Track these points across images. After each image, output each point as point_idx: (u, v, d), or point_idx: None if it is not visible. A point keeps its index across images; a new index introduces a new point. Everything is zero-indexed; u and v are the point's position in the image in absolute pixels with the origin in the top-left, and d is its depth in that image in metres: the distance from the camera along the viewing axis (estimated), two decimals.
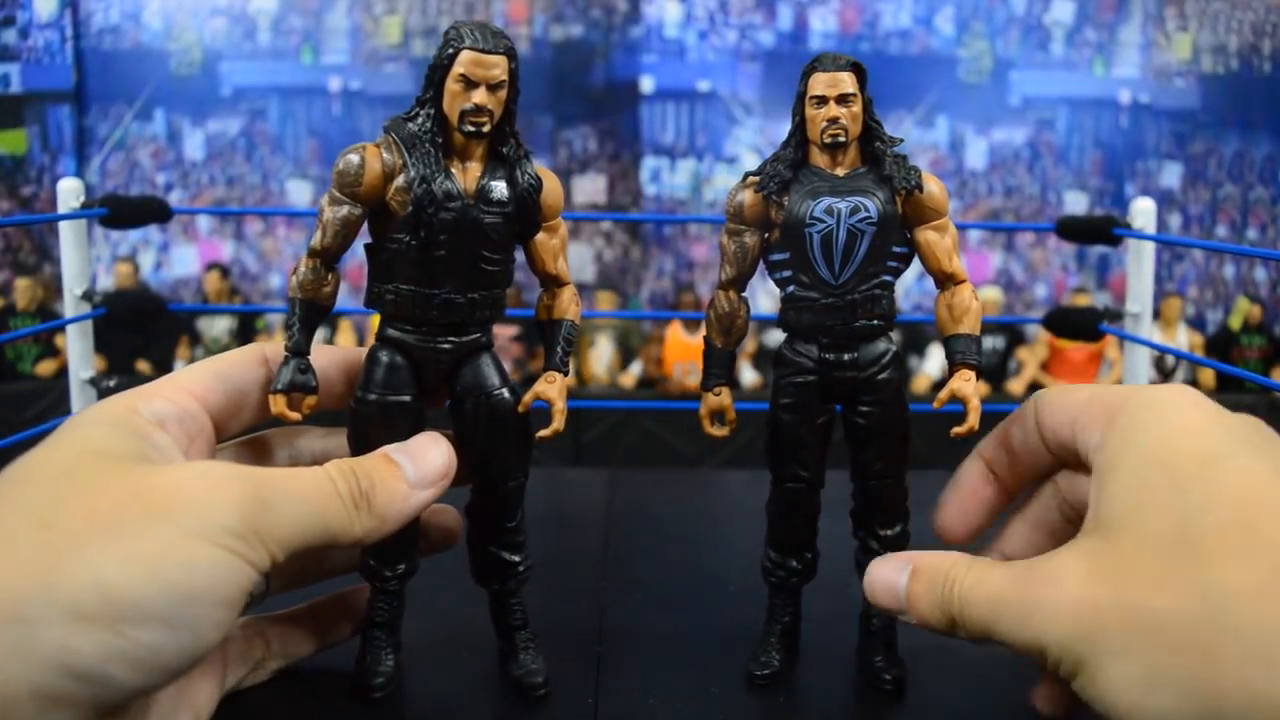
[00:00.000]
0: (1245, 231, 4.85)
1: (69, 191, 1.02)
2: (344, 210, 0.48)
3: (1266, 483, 0.35)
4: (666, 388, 3.99)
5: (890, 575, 0.45)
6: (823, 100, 0.54)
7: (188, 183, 4.99)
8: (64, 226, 1.03)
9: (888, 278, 0.56)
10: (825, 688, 0.56)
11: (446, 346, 0.49)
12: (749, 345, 4.41)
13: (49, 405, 3.74)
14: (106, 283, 4.69)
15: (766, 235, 0.57)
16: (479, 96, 0.47)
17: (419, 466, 0.44)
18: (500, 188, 0.49)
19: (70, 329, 1.04)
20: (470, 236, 0.48)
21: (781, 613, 0.60)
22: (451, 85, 0.48)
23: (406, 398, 0.49)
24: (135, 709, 0.36)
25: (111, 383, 1.05)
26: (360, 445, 0.49)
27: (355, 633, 0.54)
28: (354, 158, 0.48)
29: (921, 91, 4.87)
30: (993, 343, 4.21)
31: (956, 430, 0.54)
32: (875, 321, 0.56)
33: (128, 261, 4.82)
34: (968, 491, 0.51)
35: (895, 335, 0.59)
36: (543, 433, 0.50)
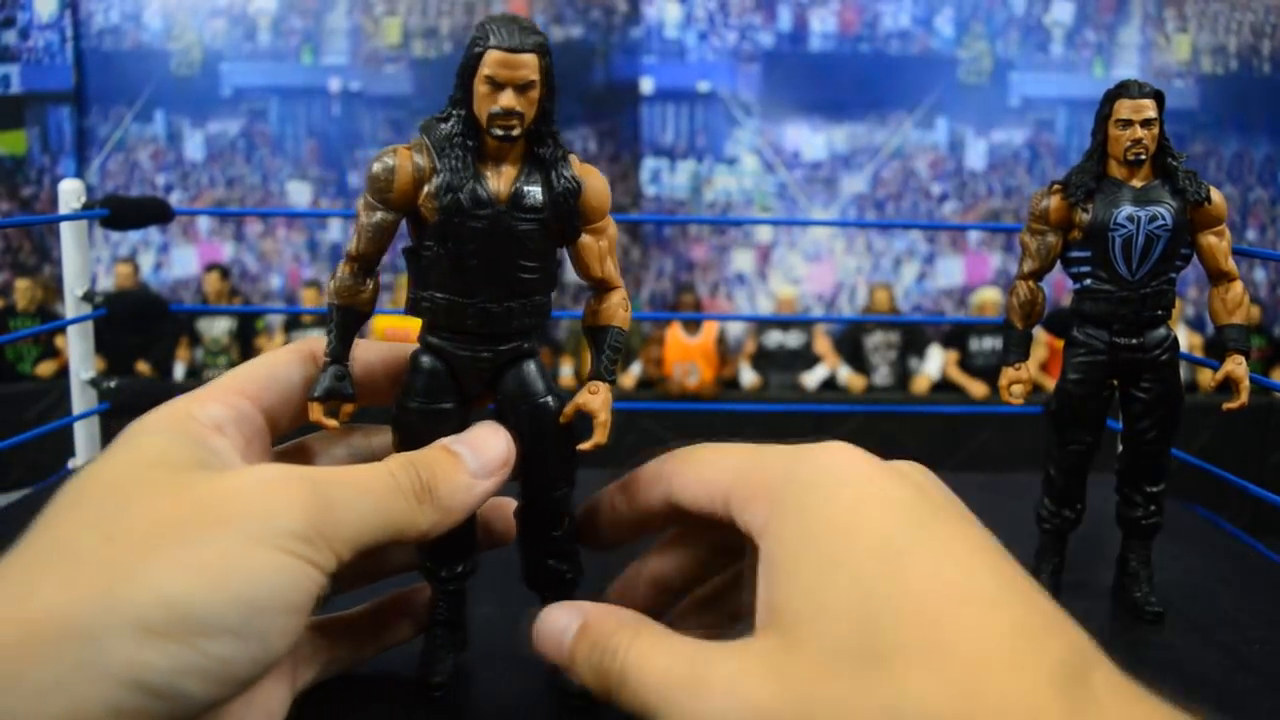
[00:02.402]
0: (1245, 232, 4.85)
1: (70, 192, 1.03)
2: (377, 216, 0.47)
3: (948, 576, 0.33)
4: (666, 388, 3.99)
5: (556, 629, 0.40)
6: (1128, 123, 0.65)
7: (188, 183, 4.99)
8: (65, 227, 1.03)
9: (1173, 275, 0.66)
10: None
11: (486, 355, 0.48)
12: (749, 346, 4.41)
13: (49, 406, 3.74)
14: (107, 284, 4.69)
15: (1067, 235, 0.68)
16: (507, 99, 0.44)
17: (479, 456, 0.43)
18: (535, 192, 0.46)
19: (71, 330, 1.04)
20: (504, 245, 0.46)
21: (1051, 555, 0.72)
22: (479, 87, 0.44)
23: (448, 405, 0.48)
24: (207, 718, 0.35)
25: (112, 383, 1.05)
26: (405, 444, 0.48)
27: (418, 632, 0.53)
28: (385, 162, 0.45)
29: (921, 92, 4.87)
30: (992, 343, 4.21)
31: (1228, 405, 0.66)
32: (1160, 312, 0.67)
33: (128, 262, 4.82)
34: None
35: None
36: (583, 446, 0.48)
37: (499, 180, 0.45)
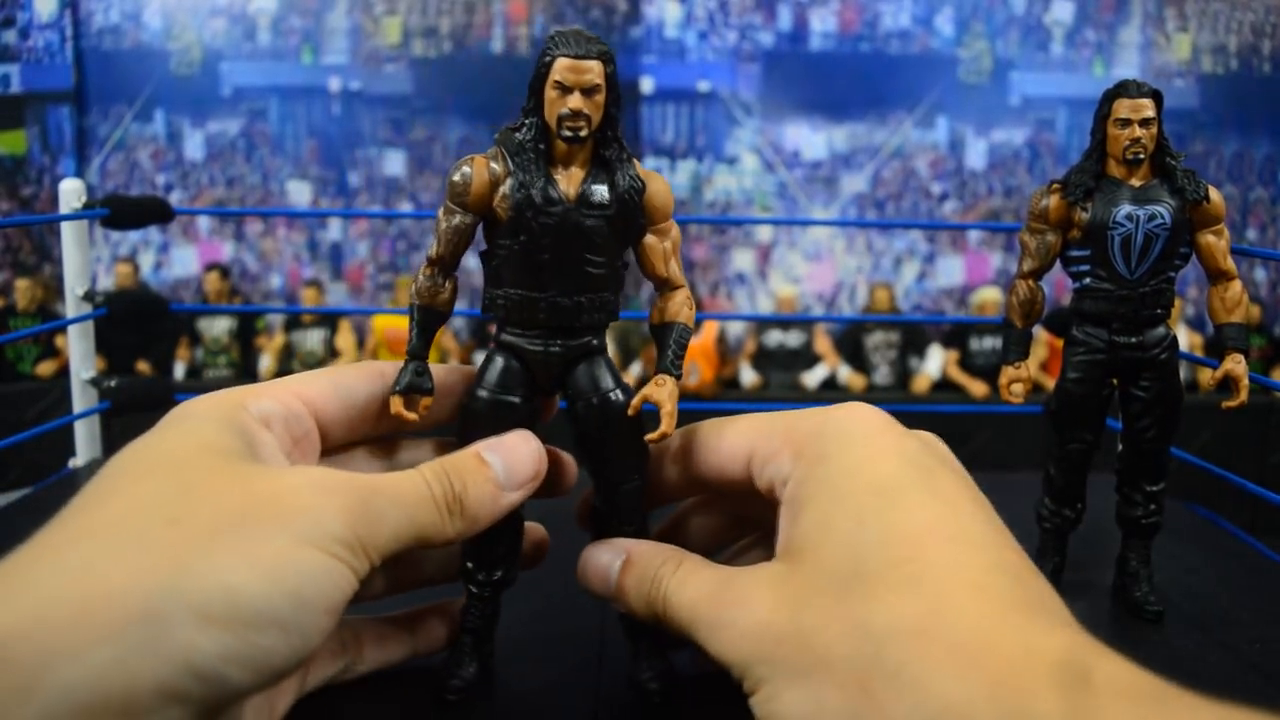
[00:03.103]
0: (1245, 232, 4.85)
1: (71, 192, 1.03)
2: (456, 219, 0.50)
3: (936, 517, 0.37)
4: None
5: (603, 562, 0.47)
6: (1127, 122, 0.65)
7: (188, 183, 4.99)
8: (65, 227, 1.03)
9: (1172, 274, 0.67)
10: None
11: (556, 349, 0.50)
12: (749, 346, 4.42)
13: (49, 405, 3.74)
14: (106, 283, 4.69)
15: (1066, 235, 0.68)
16: (574, 102, 0.48)
17: (509, 468, 0.45)
18: (601, 191, 0.49)
19: (71, 329, 1.05)
20: (573, 240, 0.49)
21: (1051, 555, 0.73)
22: (549, 93, 0.48)
23: (516, 399, 0.50)
24: (231, 710, 0.36)
25: (112, 382, 1.05)
26: (466, 439, 0.49)
27: (450, 643, 0.54)
28: (463, 170, 0.49)
29: (921, 91, 4.87)
30: (993, 342, 4.21)
31: (1228, 404, 0.66)
32: (1159, 310, 0.67)
33: (128, 262, 4.82)
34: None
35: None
36: (650, 436, 0.50)
37: (568, 182, 0.49)
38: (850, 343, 4.39)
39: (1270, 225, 4.94)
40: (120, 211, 1.05)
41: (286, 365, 4.31)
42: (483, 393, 0.50)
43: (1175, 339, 0.68)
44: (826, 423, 0.42)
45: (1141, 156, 0.65)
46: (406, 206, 4.98)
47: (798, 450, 0.42)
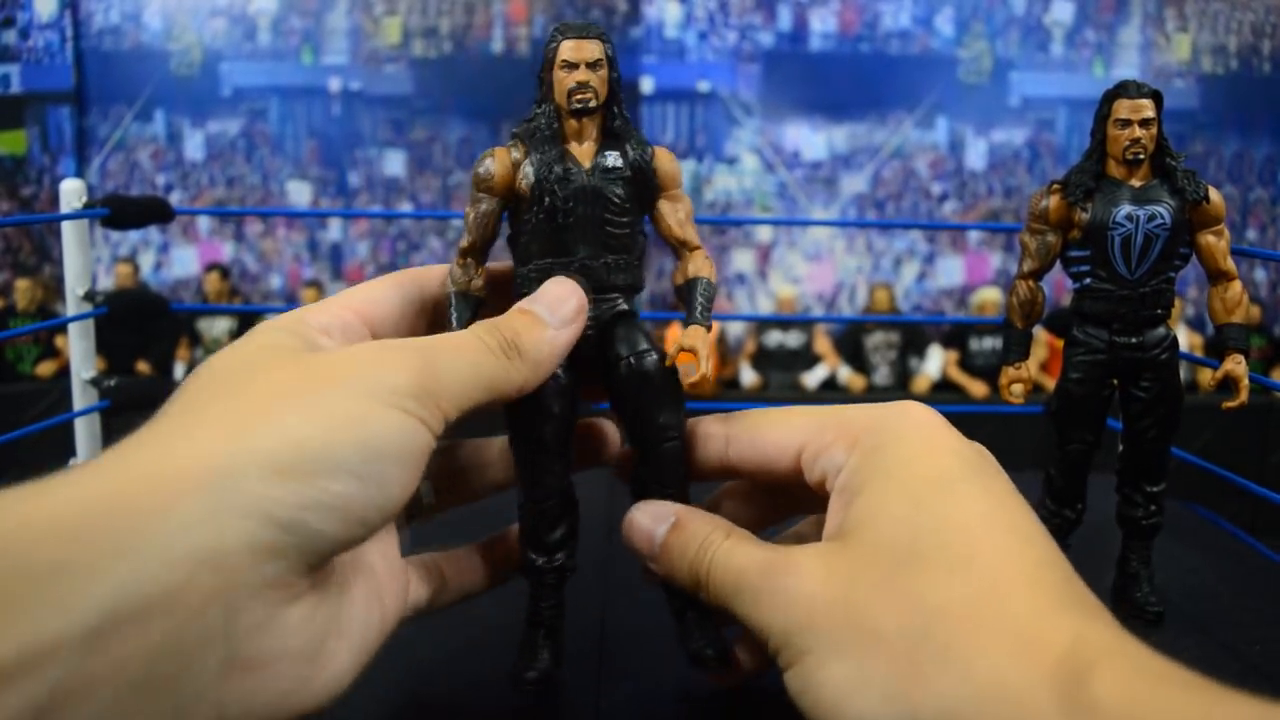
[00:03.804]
0: (1245, 232, 4.86)
1: (71, 192, 1.03)
2: (482, 205, 0.52)
3: (989, 511, 0.38)
4: None
5: (649, 522, 0.47)
6: (1127, 123, 0.65)
7: (188, 183, 4.99)
8: (66, 227, 1.03)
9: (1172, 274, 0.67)
10: None
11: (589, 311, 0.51)
12: (749, 346, 4.42)
13: (49, 405, 3.74)
14: (106, 283, 4.69)
15: (1066, 235, 0.68)
16: (580, 75, 0.52)
17: (553, 309, 0.47)
18: (614, 157, 0.53)
19: (72, 329, 1.05)
20: (593, 203, 0.52)
21: None
22: (557, 73, 0.52)
23: (557, 370, 0.51)
24: (334, 583, 0.38)
25: (113, 382, 1.05)
26: (513, 417, 0.51)
27: (516, 567, 0.54)
28: (485, 161, 0.52)
29: (921, 92, 4.87)
30: (993, 343, 4.21)
31: (1228, 404, 0.66)
32: (1159, 311, 0.67)
33: (128, 262, 4.82)
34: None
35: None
36: (691, 379, 0.51)
37: (582, 155, 0.53)
38: (850, 343, 4.39)
39: (1270, 225, 4.94)
40: (121, 211, 1.05)
41: None
42: None
43: (1176, 339, 0.68)
44: (883, 417, 0.43)
45: (1141, 157, 0.65)
46: (406, 207, 4.98)
47: (853, 441, 0.43)
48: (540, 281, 0.51)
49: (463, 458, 0.54)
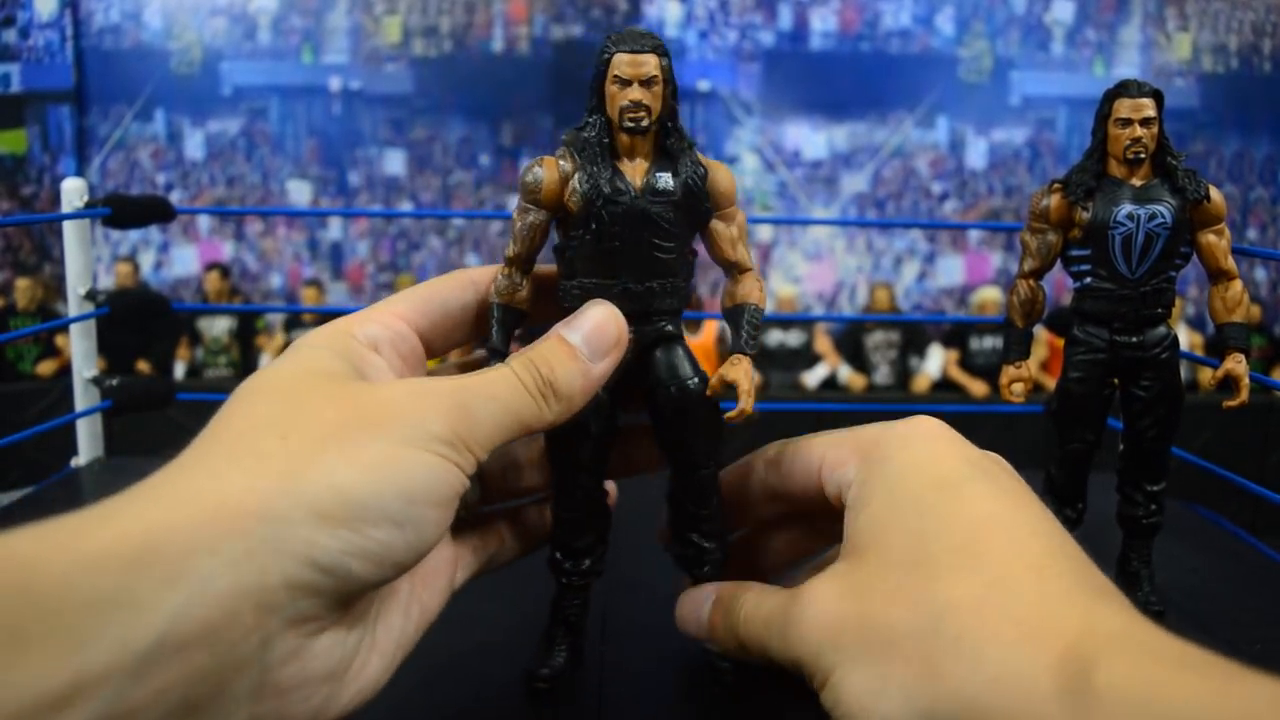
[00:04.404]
0: (1245, 231, 4.86)
1: (72, 191, 1.03)
2: (530, 217, 0.51)
3: (994, 507, 0.39)
4: None
5: (695, 606, 0.50)
6: (1128, 122, 0.65)
7: (188, 183, 4.99)
8: (67, 226, 1.03)
9: (1172, 274, 0.66)
10: None
11: (631, 334, 0.50)
12: None
13: (49, 405, 3.74)
14: (107, 283, 4.70)
15: (1067, 234, 0.68)
16: (634, 93, 0.50)
17: (590, 340, 0.47)
18: (666, 178, 0.51)
19: (73, 328, 1.05)
20: (641, 227, 0.50)
21: None
22: (610, 88, 0.50)
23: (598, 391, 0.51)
24: (368, 608, 0.40)
25: (114, 381, 1.05)
26: (551, 433, 0.51)
27: (544, 536, 0.56)
28: (534, 171, 0.51)
29: (921, 91, 4.87)
30: (993, 342, 4.21)
31: (1229, 403, 0.66)
32: (1160, 310, 0.67)
33: (128, 262, 4.83)
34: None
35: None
36: (730, 414, 0.51)
37: (633, 173, 0.51)
38: (850, 342, 4.39)
39: (1270, 225, 4.94)
40: (122, 211, 1.05)
41: None
42: None
43: (1176, 338, 0.68)
44: (890, 429, 0.45)
45: (1142, 156, 0.65)
46: (406, 206, 4.98)
47: (863, 455, 0.44)
48: (583, 299, 0.50)
49: (509, 454, 0.55)
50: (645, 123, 0.50)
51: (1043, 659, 0.32)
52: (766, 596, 0.44)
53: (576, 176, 0.50)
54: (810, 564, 0.54)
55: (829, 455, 0.46)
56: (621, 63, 0.50)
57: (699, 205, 0.52)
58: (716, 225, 0.53)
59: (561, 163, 0.51)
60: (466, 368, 0.53)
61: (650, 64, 0.50)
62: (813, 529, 0.54)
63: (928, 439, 0.43)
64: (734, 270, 0.54)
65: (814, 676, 0.39)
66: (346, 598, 0.35)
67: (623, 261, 0.50)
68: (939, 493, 0.40)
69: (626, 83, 0.50)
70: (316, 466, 0.35)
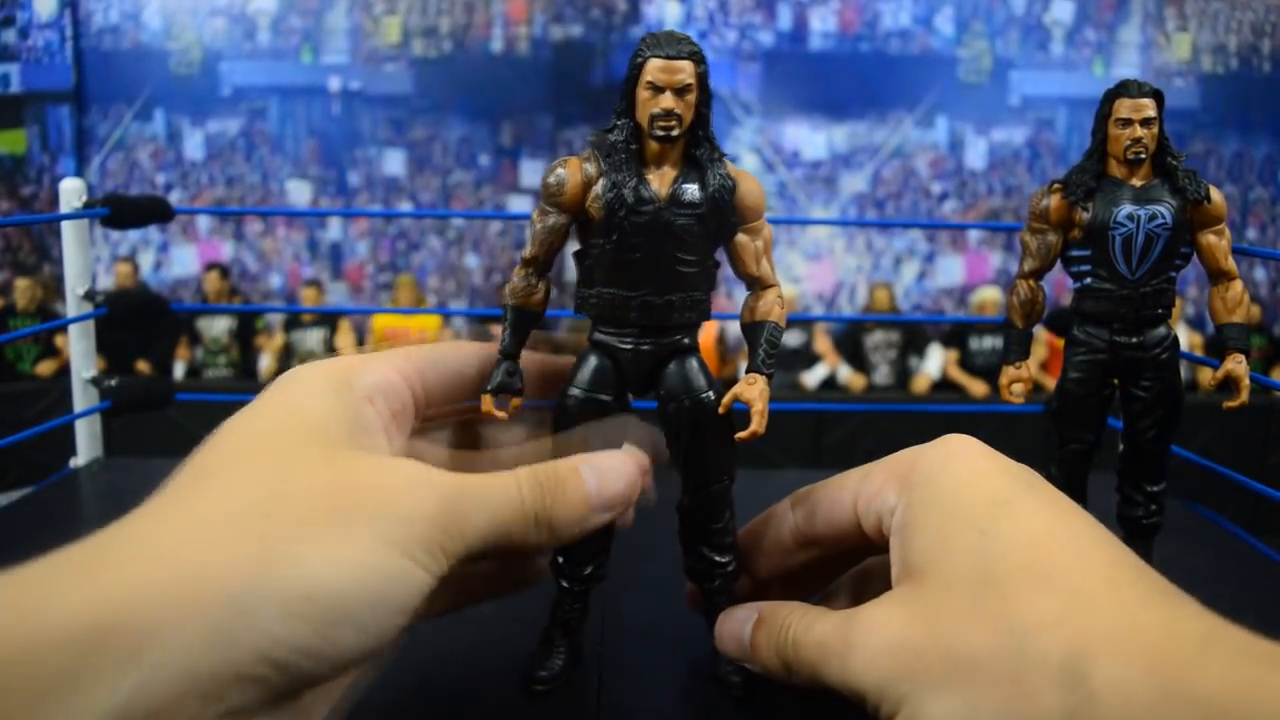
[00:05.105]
0: (1245, 231, 4.86)
1: (71, 191, 1.03)
2: (550, 220, 0.50)
3: (1052, 522, 0.39)
4: None
5: (737, 626, 0.48)
6: (1128, 122, 0.65)
7: (187, 183, 4.99)
8: (66, 226, 1.03)
9: (1173, 274, 0.67)
10: None
11: (647, 348, 0.51)
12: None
13: (49, 404, 3.74)
14: (106, 283, 4.69)
15: (1067, 235, 0.68)
16: (666, 101, 0.48)
17: (603, 488, 0.45)
18: (693, 190, 0.49)
19: (72, 329, 1.04)
20: (664, 239, 0.49)
21: None
22: (641, 93, 0.49)
23: (607, 397, 0.50)
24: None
25: (113, 382, 1.05)
26: (559, 435, 0.51)
27: (538, 576, 0.55)
28: (557, 172, 0.49)
29: (921, 91, 4.87)
30: (993, 342, 4.21)
31: (1229, 404, 0.66)
32: (1160, 310, 0.67)
33: (127, 262, 4.82)
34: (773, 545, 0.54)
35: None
36: (741, 435, 0.50)
37: (660, 181, 0.49)
38: (850, 342, 4.39)
39: (1270, 225, 4.94)
40: (121, 211, 1.05)
41: (286, 365, 4.30)
42: (575, 391, 0.51)
43: (1176, 339, 0.68)
44: (925, 453, 0.44)
45: (1143, 156, 0.65)
46: (406, 206, 4.98)
47: (901, 481, 0.43)
48: (601, 310, 0.50)
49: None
50: (675, 132, 0.48)
51: (1135, 668, 0.32)
52: (817, 620, 0.43)
53: (601, 182, 0.49)
54: (830, 587, 0.53)
55: (863, 488, 0.46)
56: (655, 68, 0.48)
57: (725, 219, 0.50)
58: (741, 239, 0.52)
59: (586, 165, 0.49)
60: (462, 415, 0.52)
61: (685, 71, 0.48)
62: (836, 565, 0.52)
63: (966, 456, 0.43)
64: (756, 285, 0.53)
65: (882, 705, 0.38)
66: (288, 692, 0.34)
67: (643, 273, 0.49)
68: (993, 510, 0.39)
69: (659, 89, 0.48)
70: (293, 558, 0.34)
